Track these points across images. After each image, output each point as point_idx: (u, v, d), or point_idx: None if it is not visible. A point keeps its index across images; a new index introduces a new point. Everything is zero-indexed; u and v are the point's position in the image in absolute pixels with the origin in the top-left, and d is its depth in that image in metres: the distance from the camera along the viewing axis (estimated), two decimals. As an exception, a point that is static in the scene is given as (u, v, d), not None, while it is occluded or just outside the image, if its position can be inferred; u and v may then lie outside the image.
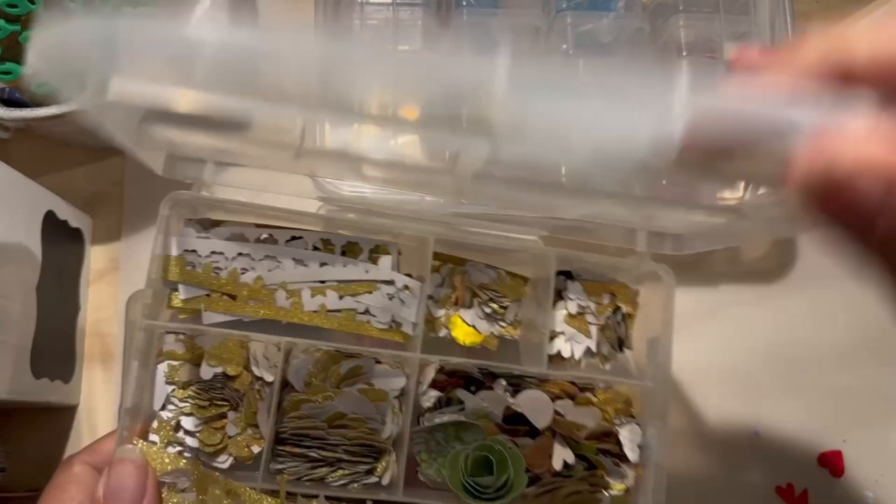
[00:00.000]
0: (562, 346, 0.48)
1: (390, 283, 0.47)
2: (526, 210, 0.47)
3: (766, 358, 0.56)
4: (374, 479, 0.44)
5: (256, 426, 0.45)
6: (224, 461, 0.44)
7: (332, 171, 0.46)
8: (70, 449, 0.53)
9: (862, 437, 0.56)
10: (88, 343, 0.55)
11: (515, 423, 0.46)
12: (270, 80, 0.28)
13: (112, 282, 0.56)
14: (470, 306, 0.49)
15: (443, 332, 0.49)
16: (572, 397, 0.48)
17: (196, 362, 0.45)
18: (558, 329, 0.49)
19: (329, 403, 0.44)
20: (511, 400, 0.46)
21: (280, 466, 0.43)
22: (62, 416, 0.54)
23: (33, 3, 0.48)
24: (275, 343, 0.45)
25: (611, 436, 0.47)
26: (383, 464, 0.44)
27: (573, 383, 0.48)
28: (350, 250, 0.48)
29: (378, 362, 0.46)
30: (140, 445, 0.40)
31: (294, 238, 0.47)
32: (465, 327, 0.49)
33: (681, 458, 0.55)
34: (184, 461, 0.41)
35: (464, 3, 0.51)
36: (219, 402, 0.44)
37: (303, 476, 0.43)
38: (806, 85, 0.24)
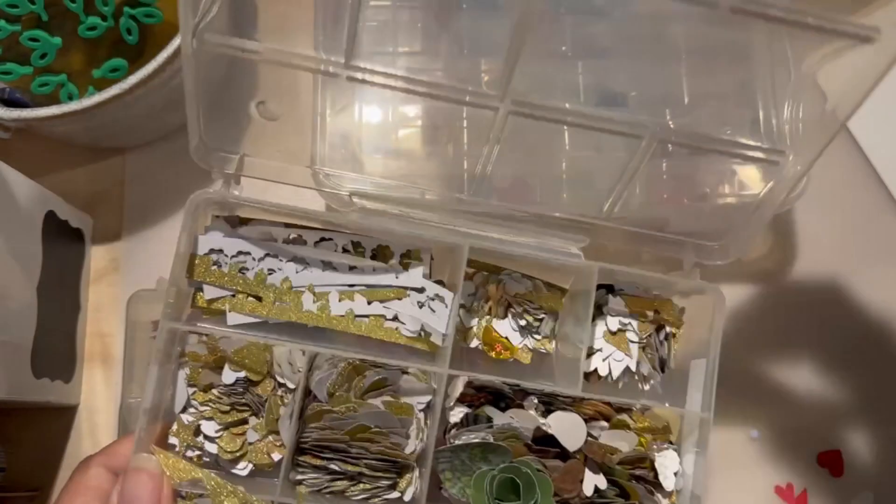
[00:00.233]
0: (599, 364, 0.46)
1: (421, 290, 0.45)
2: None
3: (765, 357, 0.57)
4: (395, 495, 0.43)
5: (277, 433, 0.43)
6: (243, 468, 0.43)
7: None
8: (70, 449, 0.53)
9: (862, 437, 0.56)
10: (89, 343, 0.55)
11: (545, 444, 0.44)
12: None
13: (112, 282, 0.56)
14: (504, 317, 0.47)
15: (474, 343, 0.47)
16: (608, 419, 0.45)
17: (219, 365, 0.44)
18: (596, 346, 0.46)
19: (352, 415, 0.42)
20: (542, 421, 0.44)
21: (300, 477, 0.42)
22: (62, 416, 0.53)
23: (33, 3, 0.47)
24: (299, 349, 0.44)
25: (646, 461, 0.45)
26: (406, 479, 0.43)
27: (609, 404, 0.46)
28: (381, 253, 0.46)
29: (405, 372, 0.45)
30: (156, 454, 0.39)
31: (324, 239, 0.46)
32: (498, 339, 0.47)
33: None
34: (200, 471, 0.40)
35: (463, 4, 0.49)
36: (240, 408, 0.43)
37: (322, 488, 0.42)
38: None
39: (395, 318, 0.45)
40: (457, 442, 0.43)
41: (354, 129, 0.48)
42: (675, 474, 0.45)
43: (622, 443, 0.45)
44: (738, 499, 0.55)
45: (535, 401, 0.45)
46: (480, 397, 0.45)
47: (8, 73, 0.48)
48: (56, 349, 0.51)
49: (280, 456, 0.43)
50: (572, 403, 0.45)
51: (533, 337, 0.47)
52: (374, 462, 0.42)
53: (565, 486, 0.43)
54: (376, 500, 0.43)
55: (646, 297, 0.47)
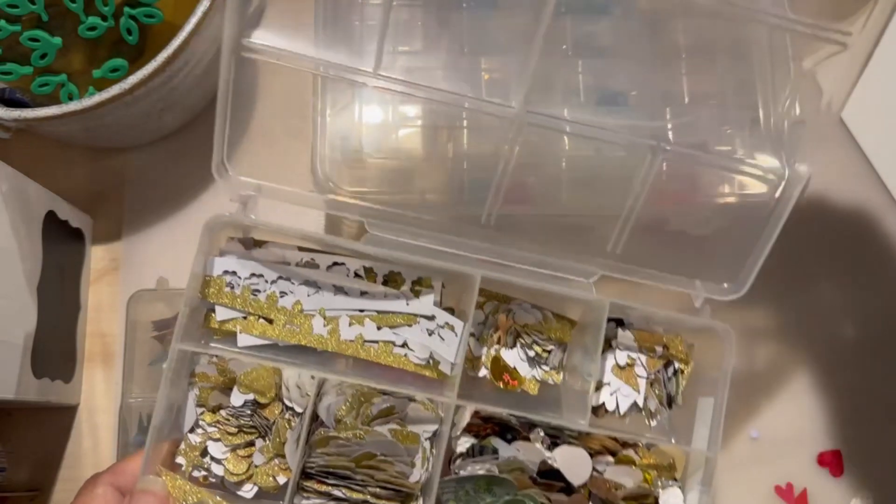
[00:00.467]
0: (606, 398, 0.46)
1: (431, 318, 0.45)
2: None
3: (765, 357, 0.57)
4: (399, 523, 0.43)
5: (283, 456, 0.44)
6: (249, 490, 0.43)
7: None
8: (70, 449, 0.53)
9: (861, 437, 0.56)
10: (89, 343, 0.55)
11: (550, 477, 0.44)
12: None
13: (112, 282, 0.56)
14: (513, 347, 0.47)
15: (482, 373, 0.47)
16: (613, 454, 0.45)
17: (228, 387, 0.44)
18: (605, 379, 0.46)
19: (358, 442, 0.42)
20: (548, 454, 0.44)
21: (304, 502, 0.42)
22: (62, 416, 0.54)
23: (33, 2, 0.47)
24: (308, 374, 0.44)
25: (649, 497, 0.45)
26: (410, 508, 0.43)
27: (615, 439, 0.46)
28: (392, 280, 0.46)
29: (412, 400, 0.45)
30: (163, 475, 0.40)
31: (336, 264, 0.46)
32: (506, 369, 0.47)
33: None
34: (206, 493, 0.40)
35: (463, 4, 0.49)
36: (247, 430, 0.43)
37: (326, 514, 0.42)
38: None
39: (405, 345, 0.45)
40: (462, 472, 0.43)
41: (354, 129, 0.48)
42: (679, 512, 0.45)
43: (627, 478, 0.45)
44: (738, 499, 0.55)
45: (542, 433, 0.45)
46: (487, 428, 0.45)
47: (8, 73, 0.48)
48: (56, 349, 0.51)
49: (286, 479, 0.43)
50: (578, 437, 0.45)
51: (541, 368, 0.47)
52: (378, 490, 0.42)
53: (569, 521, 0.43)
54: (380, 527, 0.43)
55: (655, 333, 0.47)
